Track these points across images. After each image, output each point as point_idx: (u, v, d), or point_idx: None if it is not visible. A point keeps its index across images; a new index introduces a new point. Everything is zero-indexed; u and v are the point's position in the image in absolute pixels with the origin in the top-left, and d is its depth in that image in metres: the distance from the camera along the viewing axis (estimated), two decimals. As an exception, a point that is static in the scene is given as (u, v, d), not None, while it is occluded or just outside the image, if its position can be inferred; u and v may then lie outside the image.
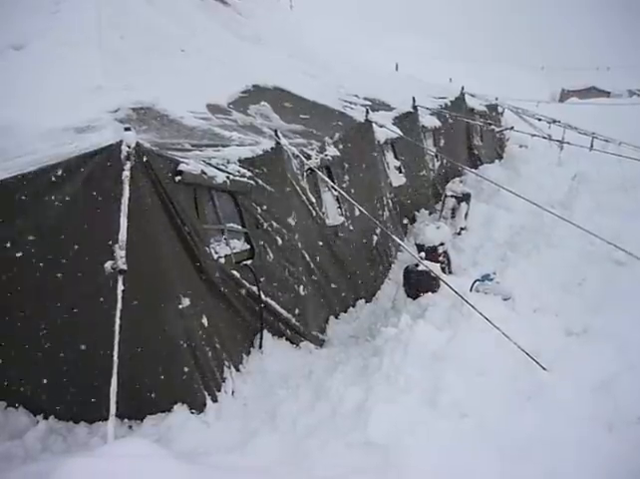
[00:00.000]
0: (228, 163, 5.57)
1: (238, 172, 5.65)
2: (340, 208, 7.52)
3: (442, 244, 8.20)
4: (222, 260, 5.50)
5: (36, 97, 6.08)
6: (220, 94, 7.46)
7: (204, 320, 5.19)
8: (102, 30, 7.41)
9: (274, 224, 6.09)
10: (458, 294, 5.55)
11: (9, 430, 5.20)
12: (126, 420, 5.03)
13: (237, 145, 5.89)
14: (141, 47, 7.56)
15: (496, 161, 15.65)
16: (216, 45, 9.12)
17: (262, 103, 7.51)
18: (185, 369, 5.00)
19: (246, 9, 12.31)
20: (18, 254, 4.90)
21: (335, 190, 7.10)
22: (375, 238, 8.30)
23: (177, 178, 4.93)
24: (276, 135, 6.26)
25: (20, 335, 5.12)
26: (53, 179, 4.74)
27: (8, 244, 4.88)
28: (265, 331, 6.00)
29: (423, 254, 7.17)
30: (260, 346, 5.96)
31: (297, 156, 6.43)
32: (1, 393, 5.34)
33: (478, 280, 6.56)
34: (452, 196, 10.61)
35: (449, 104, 13.14)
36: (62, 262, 4.82)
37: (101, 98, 6.14)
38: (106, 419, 4.98)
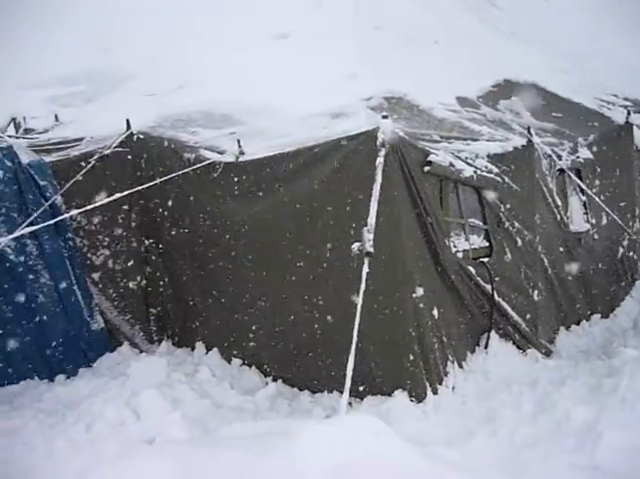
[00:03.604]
0: (476, 157, 5.50)
1: (485, 167, 5.56)
2: (587, 214, 7.04)
3: (699, 266, 7.35)
4: (460, 255, 5.46)
5: (295, 83, 6.53)
6: (470, 87, 7.37)
7: (435, 312, 5.19)
8: (358, 21, 7.72)
9: (516, 223, 5.88)
10: None
11: (242, 386, 5.69)
12: (347, 396, 5.24)
13: (486, 140, 5.79)
14: (394, 38, 7.73)
15: None
16: (470, 37, 8.99)
17: (513, 98, 7.28)
18: (411, 357, 5.04)
19: (502, 1, 11.98)
20: (270, 225, 5.35)
21: (585, 194, 6.67)
22: (621, 250, 7.64)
23: (426, 168, 4.98)
24: (529, 132, 6.03)
25: (261, 301, 5.58)
26: (309, 159, 5.07)
27: (265, 215, 5.35)
28: (493, 332, 5.84)
29: (676, 275, 6.49)
30: (486, 346, 5.81)
31: (548, 155, 6.13)
32: (239, 352, 5.86)
33: None
34: None
35: None
36: (312, 239, 5.15)
37: (354, 86, 6.40)
38: (329, 391, 5.30)
